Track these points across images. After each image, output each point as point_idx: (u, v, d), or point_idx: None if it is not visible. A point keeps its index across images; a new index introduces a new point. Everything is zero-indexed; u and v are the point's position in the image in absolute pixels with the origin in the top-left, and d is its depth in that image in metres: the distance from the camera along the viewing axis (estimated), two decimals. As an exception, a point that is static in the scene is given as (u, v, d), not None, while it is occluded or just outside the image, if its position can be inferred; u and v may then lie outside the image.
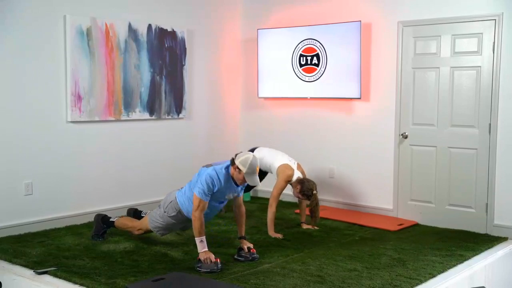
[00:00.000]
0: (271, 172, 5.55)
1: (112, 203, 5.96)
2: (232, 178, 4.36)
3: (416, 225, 5.81)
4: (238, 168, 4.24)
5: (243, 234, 4.64)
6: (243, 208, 4.66)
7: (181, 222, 4.67)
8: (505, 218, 5.37)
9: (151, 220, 4.72)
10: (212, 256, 4.22)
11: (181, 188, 4.70)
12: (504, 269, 4.75)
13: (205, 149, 6.96)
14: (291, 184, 5.35)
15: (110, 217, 5.07)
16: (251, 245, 4.57)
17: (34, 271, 4.14)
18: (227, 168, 4.35)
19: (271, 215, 5.25)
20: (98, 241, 4.95)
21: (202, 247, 4.27)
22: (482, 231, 5.48)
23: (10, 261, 4.41)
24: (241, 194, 4.60)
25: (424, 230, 5.62)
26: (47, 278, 4.04)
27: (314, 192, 5.21)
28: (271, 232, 5.22)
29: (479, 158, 5.51)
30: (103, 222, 5.02)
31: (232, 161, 4.30)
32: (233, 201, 4.63)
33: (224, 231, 5.39)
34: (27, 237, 5.08)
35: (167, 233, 4.81)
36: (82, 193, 5.73)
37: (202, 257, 4.22)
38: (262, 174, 5.74)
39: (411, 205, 5.98)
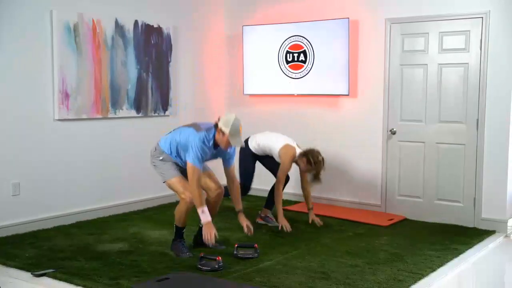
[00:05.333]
0: (273, 155, 5.41)
1: (100, 202, 5.85)
2: (216, 142, 4.30)
3: (405, 220, 5.88)
4: (221, 130, 4.19)
5: (241, 207, 4.65)
6: (237, 181, 4.66)
7: (174, 162, 4.52)
8: (492, 212, 5.49)
9: (160, 174, 4.56)
10: (214, 232, 4.22)
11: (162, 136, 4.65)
12: (495, 261, 4.85)
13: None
14: (296, 162, 5.30)
15: (176, 232, 4.61)
16: (249, 222, 4.60)
17: (32, 274, 4.03)
18: (213, 132, 4.29)
19: (278, 199, 5.22)
20: (188, 256, 4.43)
21: (204, 217, 4.24)
22: (470, 225, 5.59)
23: (4, 263, 4.29)
24: (232, 163, 4.57)
25: (414, 225, 5.70)
26: (47, 280, 3.95)
27: (321, 158, 5.18)
28: (282, 219, 5.21)
29: (466, 154, 5.61)
30: (175, 238, 4.58)
31: (216, 125, 4.25)
32: (225, 175, 4.62)
33: (218, 229, 5.33)
34: (16, 239, 4.95)
35: (177, 175, 4.48)
36: (70, 193, 5.60)
37: (204, 230, 4.20)
38: (270, 159, 5.56)
39: (399, 200, 6.05)
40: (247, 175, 5.49)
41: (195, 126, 4.42)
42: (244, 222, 4.59)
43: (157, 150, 4.56)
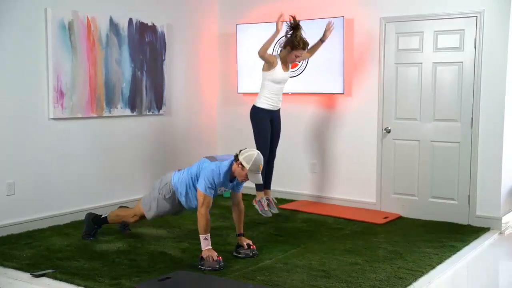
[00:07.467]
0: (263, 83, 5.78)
1: (95, 202, 5.80)
2: (233, 174, 4.30)
3: (400, 217, 5.92)
4: (241, 164, 4.18)
5: (242, 231, 4.59)
6: (242, 205, 4.59)
7: (174, 206, 4.56)
8: (487, 209, 5.54)
9: (145, 203, 4.63)
10: (215, 254, 4.17)
11: (178, 170, 4.62)
12: (492, 258, 4.90)
13: (184, 145, 6.87)
14: (279, 57, 5.69)
15: (100, 215, 4.96)
16: (250, 242, 4.54)
17: (31, 274, 3.99)
18: (230, 164, 4.29)
19: None
20: (89, 240, 4.85)
21: (206, 244, 4.21)
22: (465, 222, 5.64)
23: (2, 264, 4.24)
24: (241, 190, 4.54)
25: (409, 222, 5.73)
26: (47, 280, 3.91)
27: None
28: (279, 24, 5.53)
29: (461, 152, 5.65)
30: (94, 223, 4.91)
31: (236, 157, 4.23)
32: (232, 198, 4.58)
33: (214, 228, 5.33)
34: (11, 239, 4.89)
35: (157, 217, 4.70)
36: (66, 192, 5.56)
37: (205, 254, 4.16)
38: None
39: (394, 198, 6.08)
40: (264, 136, 5.64)
41: (210, 158, 4.42)
42: (245, 241, 4.52)
43: (167, 186, 4.52)
